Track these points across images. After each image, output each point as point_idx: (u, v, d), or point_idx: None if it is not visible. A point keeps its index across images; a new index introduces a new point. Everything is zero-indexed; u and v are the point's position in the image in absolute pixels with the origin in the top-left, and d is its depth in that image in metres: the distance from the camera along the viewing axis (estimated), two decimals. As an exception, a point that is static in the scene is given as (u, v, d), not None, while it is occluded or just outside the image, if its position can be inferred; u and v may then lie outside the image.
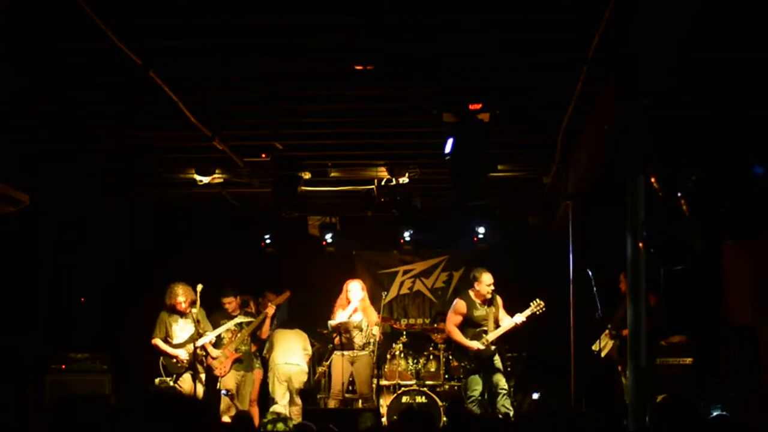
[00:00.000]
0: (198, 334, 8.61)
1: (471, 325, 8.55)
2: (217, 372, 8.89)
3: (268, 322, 9.25)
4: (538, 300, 8.54)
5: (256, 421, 8.12)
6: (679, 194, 4.58)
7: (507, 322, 8.58)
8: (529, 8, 4.64)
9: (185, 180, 8.59)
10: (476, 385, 8.51)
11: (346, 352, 8.93)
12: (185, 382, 8.55)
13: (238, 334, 8.94)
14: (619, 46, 4.80)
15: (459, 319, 8.58)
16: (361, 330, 8.99)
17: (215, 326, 8.91)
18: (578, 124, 6.52)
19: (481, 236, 10.30)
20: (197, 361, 8.56)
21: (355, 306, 9.06)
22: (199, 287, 8.65)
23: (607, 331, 8.18)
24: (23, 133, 7.23)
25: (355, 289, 9.11)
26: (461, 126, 5.73)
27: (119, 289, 10.03)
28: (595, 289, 8.03)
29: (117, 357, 9.21)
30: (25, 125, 7.02)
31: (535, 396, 8.68)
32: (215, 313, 9.08)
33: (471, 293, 8.62)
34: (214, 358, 8.92)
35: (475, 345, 8.45)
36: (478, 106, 5.63)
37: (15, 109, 6.51)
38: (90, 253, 10.19)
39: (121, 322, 9.29)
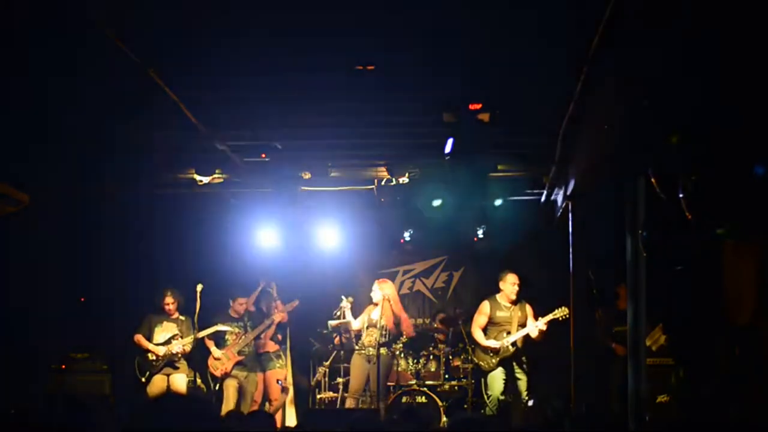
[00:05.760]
0: (181, 336, 8.80)
1: (494, 325, 8.88)
2: (218, 372, 8.97)
3: (274, 328, 9.30)
4: (563, 307, 8.56)
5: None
6: (679, 194, 4.58)
7: (529, 327, 8.78)
8: (529, 8, 4.64)
9: (185, 180, 8.59)
10: (495, 384, 8.80)
11: (363, 351, 8.90)
12: (154, 385, 8.69)
13: (242, 337, 9.01)
14: (619, 45, 4.80)
15: (483, 320, 8.93)
16: (376, 328, 8.87)
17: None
18: (578, 124, 6.52)
19: (480, 236, 10.32)
20: (171, 362, 8.78)
21: (371, 305, 9.04)
22: (199, 287, 8.74)
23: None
24: (23, 133, 7.22)
25: (374, 290, 9.09)
26: (461, 126, 5.74)
27: (119, 288, 10.02)
28: (595, 290, 8.04)
29: (117, 357, 9.22)
30: (25, 125, 7.01)
31: (530, 403, 8.74)
32: (217, 315, 9.14)
33: (498, 295, 8.95)
34: (216, 359, 8.98)
35: (492, 344, 8.75)
36: (478, 106, 5.64)
37: (15, 109, 6.51)
38: (90, 252, 10.18)
39: (121, 321, 9.29)
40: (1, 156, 7.59)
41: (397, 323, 8.87)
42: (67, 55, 5.34)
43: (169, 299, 8.90)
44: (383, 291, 8.97)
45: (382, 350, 8.83)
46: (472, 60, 5.46)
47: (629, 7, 4.33)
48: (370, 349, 8.82)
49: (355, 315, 9.24)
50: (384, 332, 8.87)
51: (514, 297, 8.90)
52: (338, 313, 8.99)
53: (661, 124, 5.00)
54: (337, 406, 9.17)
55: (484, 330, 8.92)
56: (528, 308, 8.93)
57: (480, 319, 8.95)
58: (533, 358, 9.00)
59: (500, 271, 9.07)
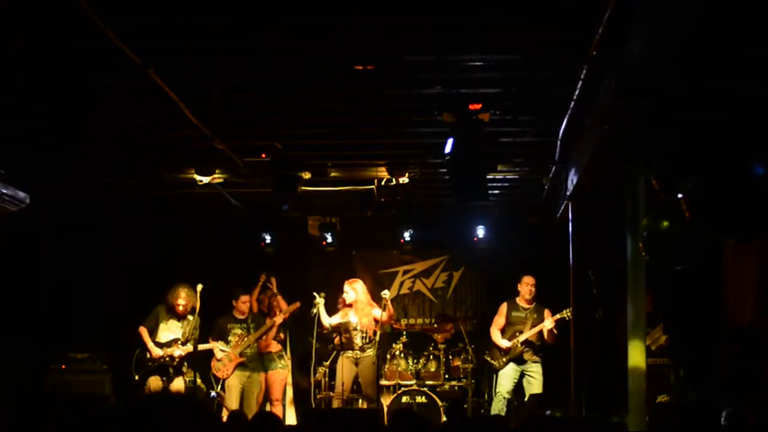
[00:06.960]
0: (182, 342, 8.76)
1: (509, 326, 9.21)
2: (219, 374, 8.97)
3: (275, 330, 9.30)
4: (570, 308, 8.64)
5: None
6: (679, 195, 4.58)
7: (539, 327, 8.98)
8: (529, 8, 4.63)
9: (185, 180, 8.59)
10: (505, 382, 9.00)
11: (350, 353, 8.93)
12: (150, 384, 8.68)
13: (245, 339, 9.04)
14: (619, 45, 4.80)
15: (501, 321, 9.30)
16: (357, 330, 8.98)
17: (220, 329, 9.03)
18: (578, 124, 6.52)
19: (480, 236, 10.33)
20: (165, 366, 8.73)
21: (346, 307, 9.11)
22: (199, 287, 8.75)
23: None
24: (23, 132, 7.22)
25: (346, 291, 9.15)
26: (461, 126, 5.74)
27: (119, 288, 10.02)
28: (595, 290, 8.03)
29: (117, 357, 9.22)
30: (25, 125, 7.01)
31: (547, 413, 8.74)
32: (222, 317, 9.15)
33: (517, 297, 9.28)
34: (218, 360, 8.98)
35: (504, 343, 9.03)
36: (478, 106, 5.63)
37: (15, 108, 6.50)
38: (90, 252, 10.18)
39: (121, 321, 9.28)
40: (2, 156, 7.59)
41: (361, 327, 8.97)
42: (66, 54, 5.33)
43: (181, 300, 8.84)
44: (357, 293, 9.07)
45: (370, 351, 8.85)
46: (472, 59, 5.45)
47: (629, 6, 4.33)
48: (358, 351, 8.87)
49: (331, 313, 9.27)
50: (364, 335, 8.93)
51: (529, 297, 9.14)
52: (314, 311, 9.04)
53: (661, 125, 5.00)
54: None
55: (501, 331, 9.20)
56: (546, 311, 9.08)
57: (499, 321, 9.27)
58: (547, 359, 9.07)
59: (518, 274, 9.33)
